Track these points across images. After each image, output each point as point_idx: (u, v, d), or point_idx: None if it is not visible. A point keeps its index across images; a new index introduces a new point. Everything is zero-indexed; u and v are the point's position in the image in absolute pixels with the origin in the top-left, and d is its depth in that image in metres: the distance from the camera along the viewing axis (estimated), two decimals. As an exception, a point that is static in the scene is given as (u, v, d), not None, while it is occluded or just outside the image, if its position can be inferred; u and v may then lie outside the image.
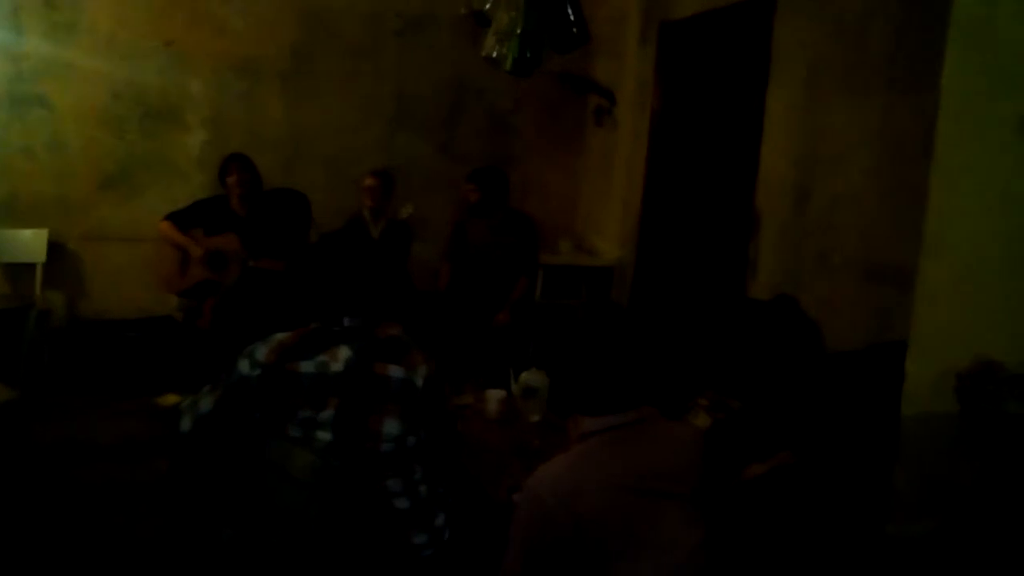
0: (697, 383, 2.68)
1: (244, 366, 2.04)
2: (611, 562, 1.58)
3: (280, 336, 2.07)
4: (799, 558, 1.97)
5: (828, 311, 3.45)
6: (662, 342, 4.63)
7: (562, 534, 1.57)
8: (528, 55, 3.52)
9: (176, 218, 4.43)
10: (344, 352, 2.02)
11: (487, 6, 3.76)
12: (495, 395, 2.93)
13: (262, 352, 2.04)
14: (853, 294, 3.51)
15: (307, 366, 2.01)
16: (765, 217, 4.15)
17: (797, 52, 3.97)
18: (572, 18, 3.52)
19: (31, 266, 4.89)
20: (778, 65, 4.11)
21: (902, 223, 3.20)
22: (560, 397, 1.83)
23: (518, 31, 3.49)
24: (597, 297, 5.58)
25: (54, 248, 4.96)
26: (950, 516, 1.75)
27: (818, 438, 2.18)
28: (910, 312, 2.01)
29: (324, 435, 1.99)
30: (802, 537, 1.99)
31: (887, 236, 3.36)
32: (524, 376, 2.94)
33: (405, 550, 2.04)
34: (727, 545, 1.66)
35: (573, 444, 1.74)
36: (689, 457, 1.72)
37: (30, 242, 4.89)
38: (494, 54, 3.64)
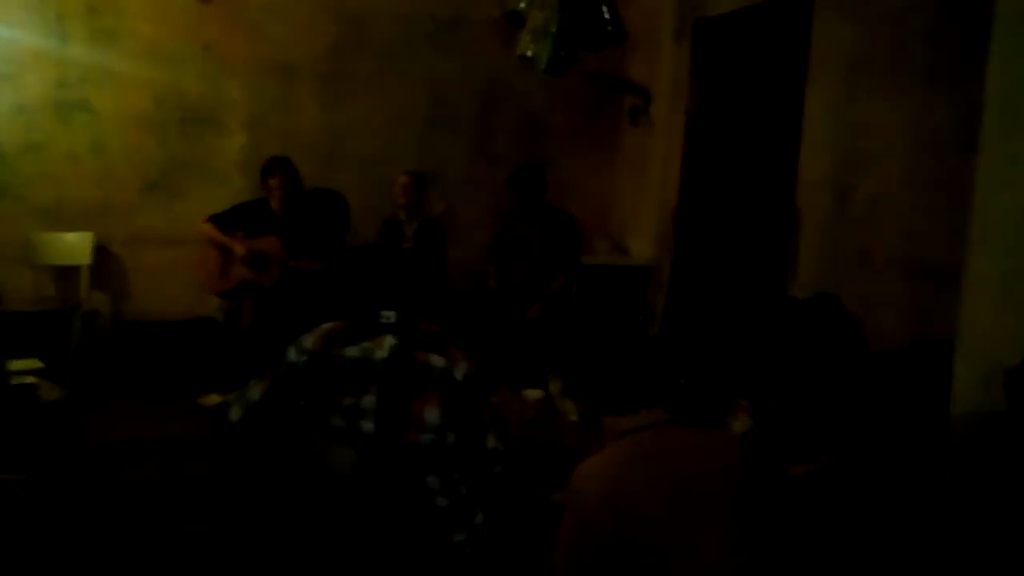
0: (737, 384, 2.66)
1: (291, 354, 2.09)
2: (651, 562, 1.58)
3: (326, 325, 2.11)
4: (843, 561, 1.95)
5: (869, 310, 3.41)
6: (694, 342, 4.61)
7: (603, 533, 1.57)
8: (562, 54, 3.53)
9: (218, 220, 4.50)
10: (389, 340, 2.06)
11: (521, 5, 3.77)
12: (533, 395, 2.94)
13: (309, 340, 2.09)
14: (895, 292, 3.46)
15: (352, 351, 2.05)
16: (805, 215, 4.11)
17: (836, 48, 3.92)
18: (607, 16, 3.52)
19: (77, 268, 4.99)
20: (816, 61, 4.06)
21: (944, 220, 3.15)
22: (595, 395, 1.83)
23: (552, 30, 3.50)
24: (633, 301, 5.56)
25: (99, 251, 5.06)
26: (1000, 516, 1.72)
27: (861, 439, 2.15)
28: (953, 310, 1.98)
29: (367, 425, 2.01)
30: (846, 540, 1.97)
31: (929, 233, 3.31)
32: (561, 375, 2.94)
33: (444, 548, 2.05)
34: (770, 548, 1.64)
35: (611, 443, 1.74)
36: (727, 460, 1.71)
37: (76, 245, 4.99)
38: (528, 53, 3.65)
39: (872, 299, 3.52)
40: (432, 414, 2.03)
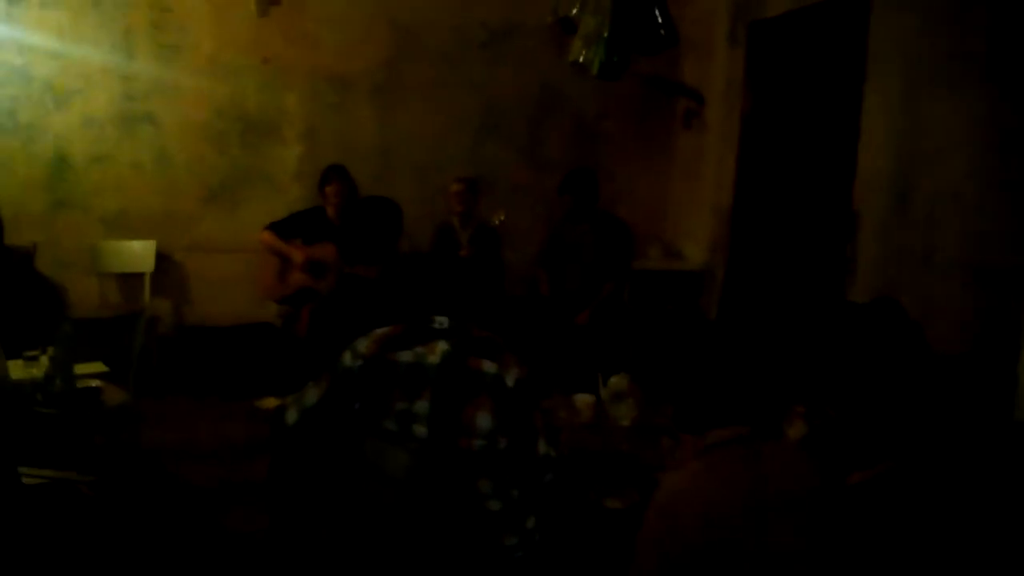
0: (793, 390, 2.61)
1: (347, 358, 2.12)
2: (739, 572, 1.54)
3: (381, 330, 2.14)
4: (904, 570, 1.90)
5: (931, 313, 3.32)
6: (763, 351, 4.53)
7: (694, 546, 1.53)
8: (615, 59, 3.52)
9: (277, 228, 4.59)
10: (442, 346, 2.08)
11: (574, 11, 3.77)
12: (584, 400, 2.93)
13: (364, 344, 2.12)
14: (957, 295, 3.36)
15: (405, 355, 2.08)
16: (863, 217, 4.02)
17: (894, 45, 3.84)
18: (660, 20, 3.49)
19: (140, 275, 5.14)
20: (875, 61, 3.98)
21: (1008, 220, 3.06)
22: (682, 410, 1.80)
23: (605, 35, 3.49)
24: (687, 307, 5.50)
25: (161, 258, 5.20)
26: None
27: (922, 445, 2.09)
28: (1018, 313, 1.91)
29: (420, 429, 2.03)
30: (909, 548, 1.92)
31: (992, 234, 3.21)
32: (613, 380, 2.92)
33: (497, 551, 2.06)
34: (837, 555, 1.60)
35: (691, 458, 1.70)
36: (806, 474, 1.67)
37: (139, 253, 5.14)
38: (581, 59, 3.64)
39: (933, 302, 3.43)
40: (484, 419, 2.04)
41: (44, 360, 2.96)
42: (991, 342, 2.74)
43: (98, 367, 3.31)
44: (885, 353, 2.52)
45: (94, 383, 3.07)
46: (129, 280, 5.19)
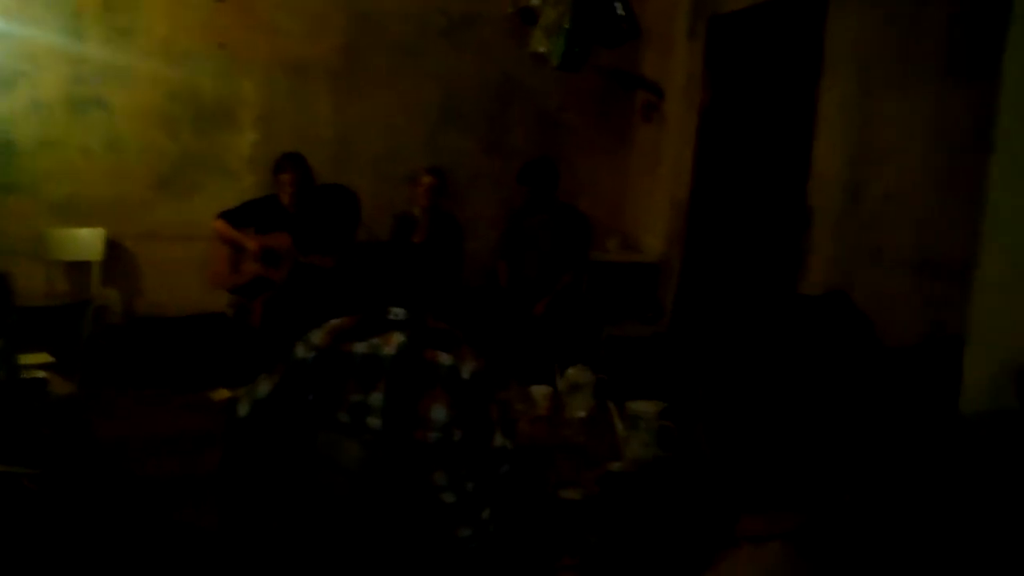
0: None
1: (300, 350, 2.10)
2: None
3: (335, 321, 2.12)
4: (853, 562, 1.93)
5: (881, 307, 3.38)
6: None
7: None
8: (576, 50, 3.51)
9: (230, 216, 4.52)
10: (397, 337, 2.06)
11: (534, 2, 3.76)
12: (541, 391, 2.93)
13: (317, 336, 2.10)
14: (907, 289, 3.43)
15: (360, 347, 2.06)
16: (817, 212, 4.09)
17: (850, 45, 3.89)
18: (620, 12, 3.50)
19: (88, 264, 5.02)
20: (831, 58, 4.03)
21: (957, 216, 3.12)
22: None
23: (566, 26, 3.48)
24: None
25: (111, 246, 5.09)
26: (1010, 515, 1.70)
27: (870, 436, 2.13)
28: (966, 307, 1.96)
29: (374, 421, 2.02)
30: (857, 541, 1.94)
31: (942, 230, 3.28)
32: (570, 372, 2.93)
33: (451, 543, 2.05)
34: None
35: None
36: None
37: (88, 240, 5.02)
38: (541, 49, 3.63)
39: (884, 296, 3.49)
40: (439, 412, 2.03)
41: (-13, 350, 2.88)
42: (939, 335, 2.80)
43: (44, 358, 3.24)
44: (835, 345, 2.56)
45: (40, 374, 3.00)
46: (77, 268, 5.07)
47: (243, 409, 2.16)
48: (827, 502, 1.46)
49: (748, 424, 1.63)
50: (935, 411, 1.94)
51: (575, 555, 2.05)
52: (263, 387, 2.14)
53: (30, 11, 4.83)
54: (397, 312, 2.12)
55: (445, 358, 2.06)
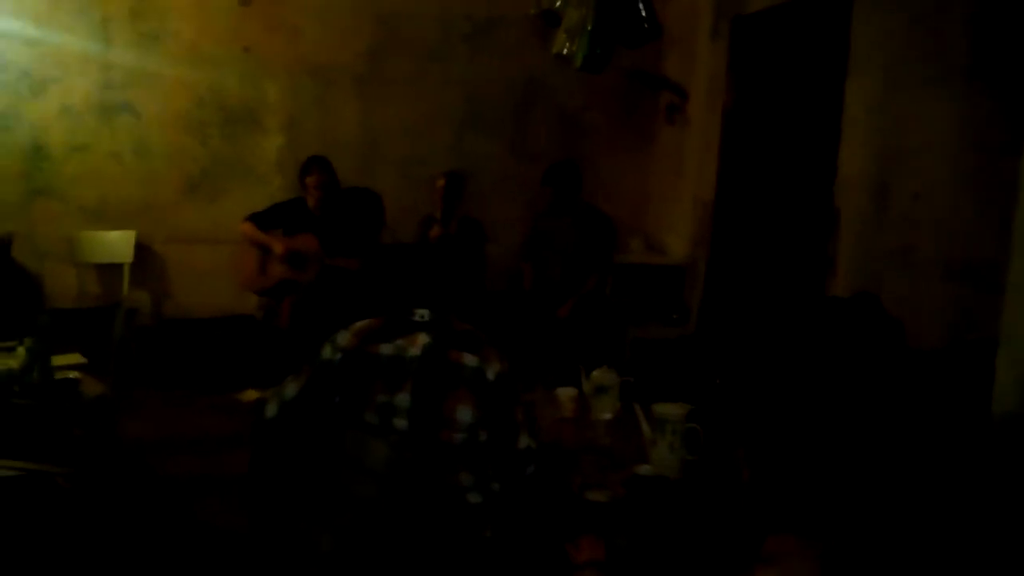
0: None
1: (327, 351, 2.12)
2: None
3: (361, 323, 2.13)
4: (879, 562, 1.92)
5: (910, 309, 3.35)
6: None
7: None
8: (599, 51, 3.51)
9: (257, 219, 4.56)
10: (423, 339, 2.08)
11: (557, 4, 3.76)
12: (566, 393, 2.93)
13: (344, 337, 2.12)
14: (936, 291, 3.39)
15: (386, 348, 2.08)
16: (844, 214, 4.05)
17: (876, 44, 3.86)
18: (643, 13, 3.49)
19: (119, 266, 5.09)
20: (857, 58, 4.00)
21: (988, 217, 3.08)
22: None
23: (588, 27, 3.48)
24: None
25: (141, 249, 5.16)
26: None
27: (902, 438, 2.11)
28: (995, 309, 1.93)
29: (400, 422, 2.03)
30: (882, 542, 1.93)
31: (971, 231, 3.24)
32: (595, 374, 2.93)
33: (476, 543, 2.06)
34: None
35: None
36: None
37: (118, 243, 5.09)
38: (564, 51, 3.63)
39: (913, 298, 3.46)
40: (464, 413, 2.04)
41: (21, 351, 2.93)
42: (970, 337, 2.76)
43: (76, 358, 3.29)
44: (865, 347, 2.54)
45: (72, 374, 3.04)
46: (108, 271, 5.14)
47: (271, 410, 2.19)
48: (854, 522, 1.47)
49: (790, 448, 1.62)
50: (966, 414, 1.92)
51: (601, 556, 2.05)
52: (290, 388, 2.17)
53: (60, 18, 4.91)
54: (422, 313, 2.13)
55: (470, 359, 2.07)
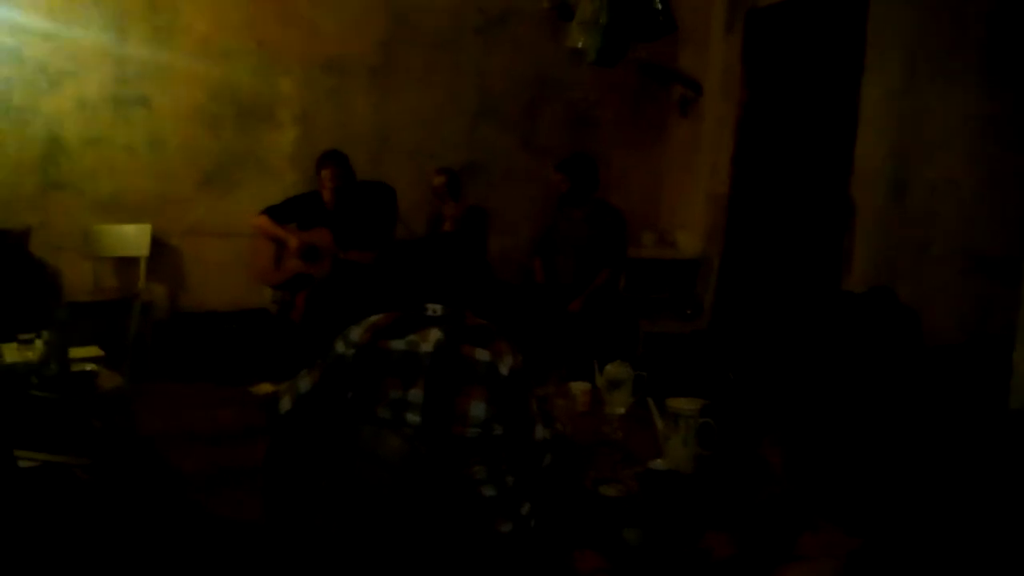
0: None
1: (340, 346, 2.12)
2: None
3: (374, 318, 2.14)
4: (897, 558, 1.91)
5: (926, 304, 3.33)
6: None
7: None
8: (613, 45, 3.51)
9: (272, 212, 4.58)
10: (435, 334, 2.07)
11: (571, -3, 3.76)
12: (580, 387, 2.93)
13: (356, 333, 2.12)
14: (953, 286, 3.38)
15: (398, 344, 2.08)
16: (860, 208, 4.03)
17: (893, 37, 3.83)
18: (657, 7, 3.48)
19: (135, 260, 5.12)
20: (873, 51, 3.97)
21: (1005, 211, 3.06)
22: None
23: (602, 21, 3.48)
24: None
25: (157, 243, 5.18)
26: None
27: (917, 433, 2.10)
28: (1014, 303, 1.92)
29: (413, 417, 2.03)
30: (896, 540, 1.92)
31: (989, 225, 3.22)
32: (609, 368, 2.93)
33: (491, 537, 2.06)
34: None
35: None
36: None
37: (134, 237, 5.11)
38: (578, 45, 3.63)
39: (929, 293, 3.44)
40: (477, 408, 2.03)
41: (39, 344, 2.96)
42: (987, 331, 2.75)
43: (93, 351, 3.31)
44: (880, 342, 2.53)
45: (89, 367, 3.07)
46: (124, 264, 5.17)
47: (285, 404, 2.19)
48: (882, 522, 1.47)
49: (827, 449, 1.61)
50: (983, 408, 1.91)
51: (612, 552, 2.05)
52: (304, 382, 2.17)
53: (75, 11, 4.92)
54: (435, 309, 2.13)
55: (483, 354, 2.06)
